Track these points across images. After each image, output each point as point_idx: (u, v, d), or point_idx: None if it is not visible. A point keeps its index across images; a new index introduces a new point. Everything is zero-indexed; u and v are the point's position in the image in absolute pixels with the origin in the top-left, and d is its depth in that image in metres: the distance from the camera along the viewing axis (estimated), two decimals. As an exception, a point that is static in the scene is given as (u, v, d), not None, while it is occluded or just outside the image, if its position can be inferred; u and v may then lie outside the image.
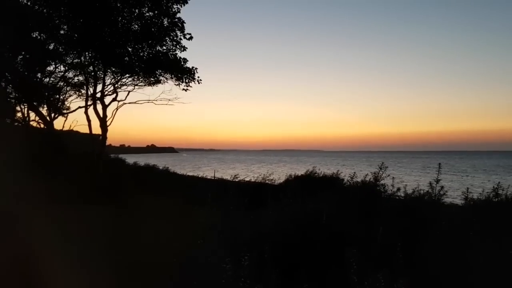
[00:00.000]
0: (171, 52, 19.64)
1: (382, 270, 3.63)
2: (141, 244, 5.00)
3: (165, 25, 18.89)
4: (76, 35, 18.47)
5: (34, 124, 23.21)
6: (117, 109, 21.11)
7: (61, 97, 23.49)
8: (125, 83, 21.41)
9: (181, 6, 18.61)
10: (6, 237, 6.02)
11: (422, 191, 7.43)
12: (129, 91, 21.56)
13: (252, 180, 19.67)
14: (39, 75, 20.83)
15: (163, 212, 8.82)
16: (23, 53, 18.67)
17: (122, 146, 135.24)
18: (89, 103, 20.32)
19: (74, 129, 23.15)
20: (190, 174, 26.78)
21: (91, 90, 20.65)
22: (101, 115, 19.83)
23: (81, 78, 21.96)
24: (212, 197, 6.08)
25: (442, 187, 6.95)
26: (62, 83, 22.54)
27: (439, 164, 6.95)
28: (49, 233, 6.34)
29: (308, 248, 4.82)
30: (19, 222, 6.96)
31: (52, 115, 21.81)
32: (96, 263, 4.72)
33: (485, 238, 4.64)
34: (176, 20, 18.82)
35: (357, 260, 3.79)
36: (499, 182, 6.55)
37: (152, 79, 21.20)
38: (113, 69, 20.35)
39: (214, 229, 4.81)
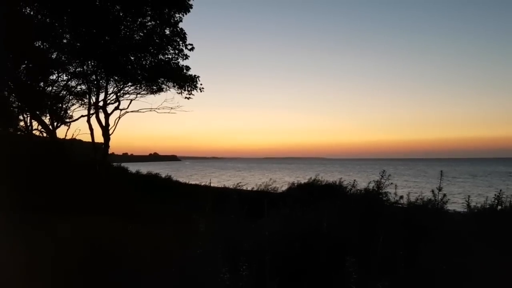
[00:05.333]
0: (173, 61, 19.72)
1: (382, 279, 3.57)
2: (140, 252, 4.95)
3: (167, 34, 18.98)
4: (78, 44, 18.57)
5: (36, 133, 23.31)
6: (119, 117, 21.19)
7: (64, 106, 23.59)
8: (128, 92, 21.53)
9: (183, 15, 18.70)
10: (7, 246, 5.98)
11: (425, 198, 7.35)
12: (131, 100, 21.67)
13: (254, 188, 19.58)
14: (42, 84, 20.92)
15: (164, 220, 8.78)
16: (26, 62, 18.77)
17: (125, 154, 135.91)
18: (91, 111, 20.40)
19: (77, 137, 23.26)
20: (192, 182, 26.72)
21: (93, 98, 20.75)
22: (104, 124, 19.88)
23: (83, 87, 22.07)
24: (213, 206, 6.03)
25: (444, 194, 6.87)
26: (64, 92, 22.65)
27: (441, 171, 6.87)
28: (48, 245, 6.30)
29: (308, 258, 4.76)
30: (18, 232, 6.93)
31: (55, 124, 21.86)
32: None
33: (488, 246, 4.58)
34: (178, 30, 18.90)
35: (357, 270, 3.73)
36: (501, 190, 6.46)
37: (155, 87, 21.30)
38: (116, 77, 20.44)
39: (213, 238, 4.76)
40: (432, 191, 6.94)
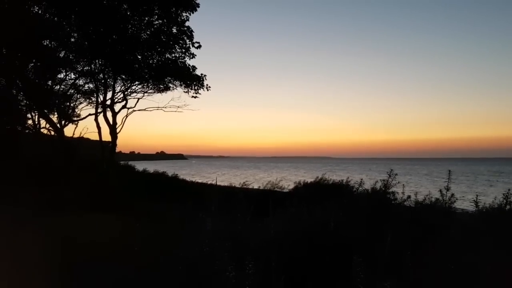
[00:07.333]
0: (180, 60, 19.74)
1: (390, 279, 3.56)
2: (147, 250, 4.97)
3: (174, 33, 19.01)
4: (86, 43, 18.64)
5: (44, 131, 23.42)
6: (126, 116, 21.24)
7: (72, 105, 23.70)
8: (135, 90, 21.55)
9: (190, 14, 18.72)
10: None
11: (432, 198, 7.30)
12: (138, 98, 21.69)
13: (261, 187, 19.59)
14: (49, 82, 21.02)
15: (171, 219, 8.79)
16: (34, 60, 18.87)
17: (132, 153, 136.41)
18: (99, 110, 20.45)
19: (85, 136, 23.33)
20: (199, 181, 26.77)
21: (101, 97, 20.82)
22: (111, 122, 19.94)
23: (91, 85, 22.13)
24: (220, 204, 6.04)
25: (452, 194, 6.83)
26: (72, 91, 22.73)
27: (449, 171, 6.83)
28: (55, 241, 6.33)
29: (315, 257, 4.75)
30: (24, 228, 6.98)
31: (63, 122, 21.93)
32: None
33: (497, 246, 4.54)
34: (185, 28, 18.93)
35: (364, 269, 3.71)
36: (509, 189, 6.39)
37: (162, 86, 21.31)
38: (123, 76, 20.48)
39: (220, 237, 4.77)
40: (440, 190, 6.90)
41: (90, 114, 21.65)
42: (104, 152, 20.43)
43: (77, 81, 21.95)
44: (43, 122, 22.71)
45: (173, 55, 19.59)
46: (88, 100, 23.65)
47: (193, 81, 20.53)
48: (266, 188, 19.26)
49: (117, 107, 20.65)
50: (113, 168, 20.33)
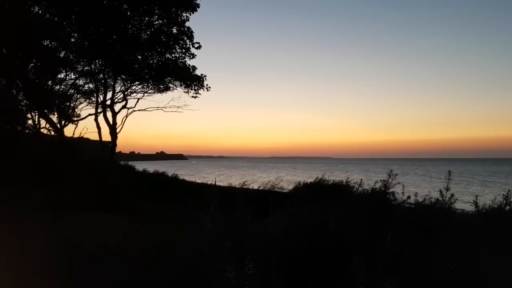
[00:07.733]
0: (180, 60, 19.76)
1: (389, 279, 3.56)
2: (146, 250, 4.97)
3: (174, 33, 19.03)
4: (86, 43, 18.67)
5: (44, 131, 23.45)
6: (126, 116, 21.29)
7: (72, 105, 23.77)
8: (135, 91, 21.61)
9: (190, 14, 18.76)
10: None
11: (432, 199, 7.30)
12: (138, 99, 21.76)
13: (261, 187, 19.58)
14: (50, 82, 21.06)
15: (171, 219, 8.79)
16: (34, 60, 18.89)
17: (132, 153, 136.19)
18: (99, 110, 20.51)
19: (84, 136, 23.39)
20: (199, 181, 26.74)
21: (101, 97, 20.89)
22: (111, 122, 19.97)
23: (91, 85, 22.21)
24: (219, 204, 6.03)
25: (452, 194, 6.83)
26: (72, 91, 22.79)
27: (449, 171, 6.83)
28: (54, 241, 6.34)
29: (315, 257, 4.75)
30: (24, 228, 6.98)
31: (63, 122, 22.01)
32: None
33: (496, 246, 4.55)
34: (185, 29, 18.96)
35: (364, 269, 3.71)
36: (509, 190, 6.39)
37: (162, 86, 21.36)
38: (123, 76, 20.53)
39: (220, 237, 4.77)
40: (440, 191, 6.90)
41: (90, 114, 21.75)
42: (104, 152, 20.45)
43: (77, 81, 22.04)
44: (43, 122, 22.78)
45: (173, 55, 19.63)
46: (88, 100, 23.73)
47: (193, 81, 20.56)
48: (266, 188, 19.26)
49: (117, 107, 20.72)
50: (113, 168, 20.33)
